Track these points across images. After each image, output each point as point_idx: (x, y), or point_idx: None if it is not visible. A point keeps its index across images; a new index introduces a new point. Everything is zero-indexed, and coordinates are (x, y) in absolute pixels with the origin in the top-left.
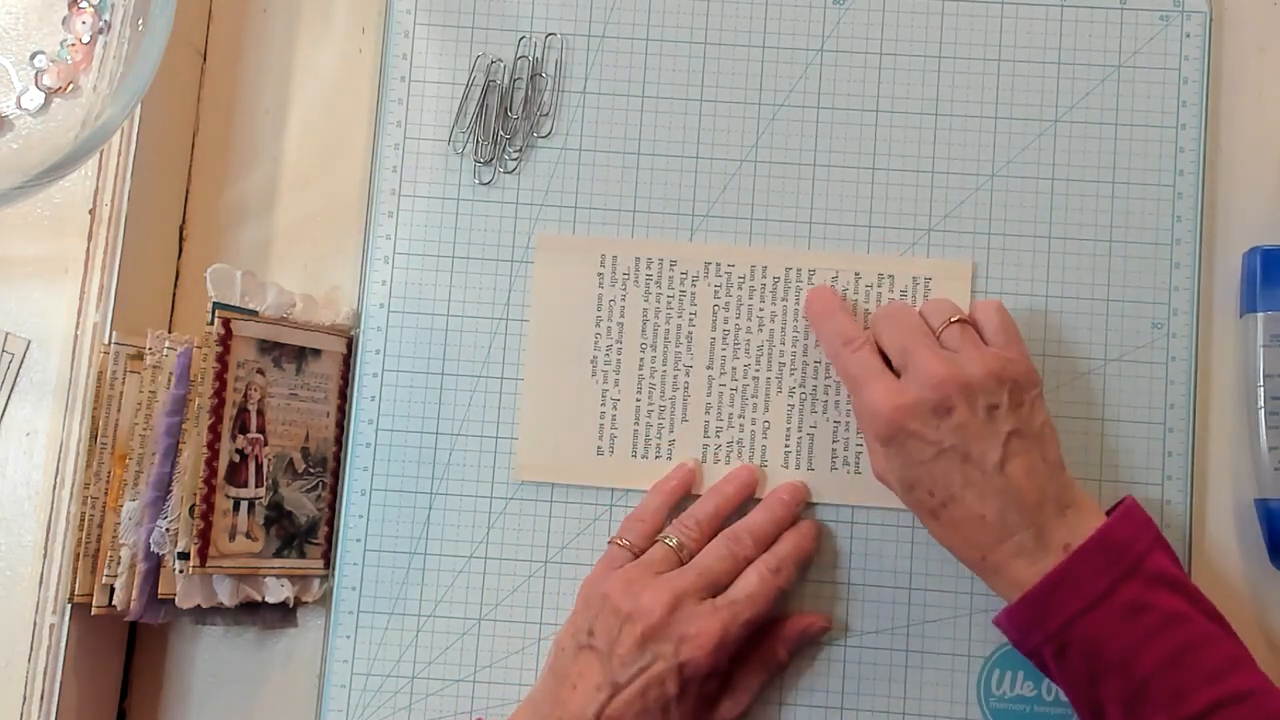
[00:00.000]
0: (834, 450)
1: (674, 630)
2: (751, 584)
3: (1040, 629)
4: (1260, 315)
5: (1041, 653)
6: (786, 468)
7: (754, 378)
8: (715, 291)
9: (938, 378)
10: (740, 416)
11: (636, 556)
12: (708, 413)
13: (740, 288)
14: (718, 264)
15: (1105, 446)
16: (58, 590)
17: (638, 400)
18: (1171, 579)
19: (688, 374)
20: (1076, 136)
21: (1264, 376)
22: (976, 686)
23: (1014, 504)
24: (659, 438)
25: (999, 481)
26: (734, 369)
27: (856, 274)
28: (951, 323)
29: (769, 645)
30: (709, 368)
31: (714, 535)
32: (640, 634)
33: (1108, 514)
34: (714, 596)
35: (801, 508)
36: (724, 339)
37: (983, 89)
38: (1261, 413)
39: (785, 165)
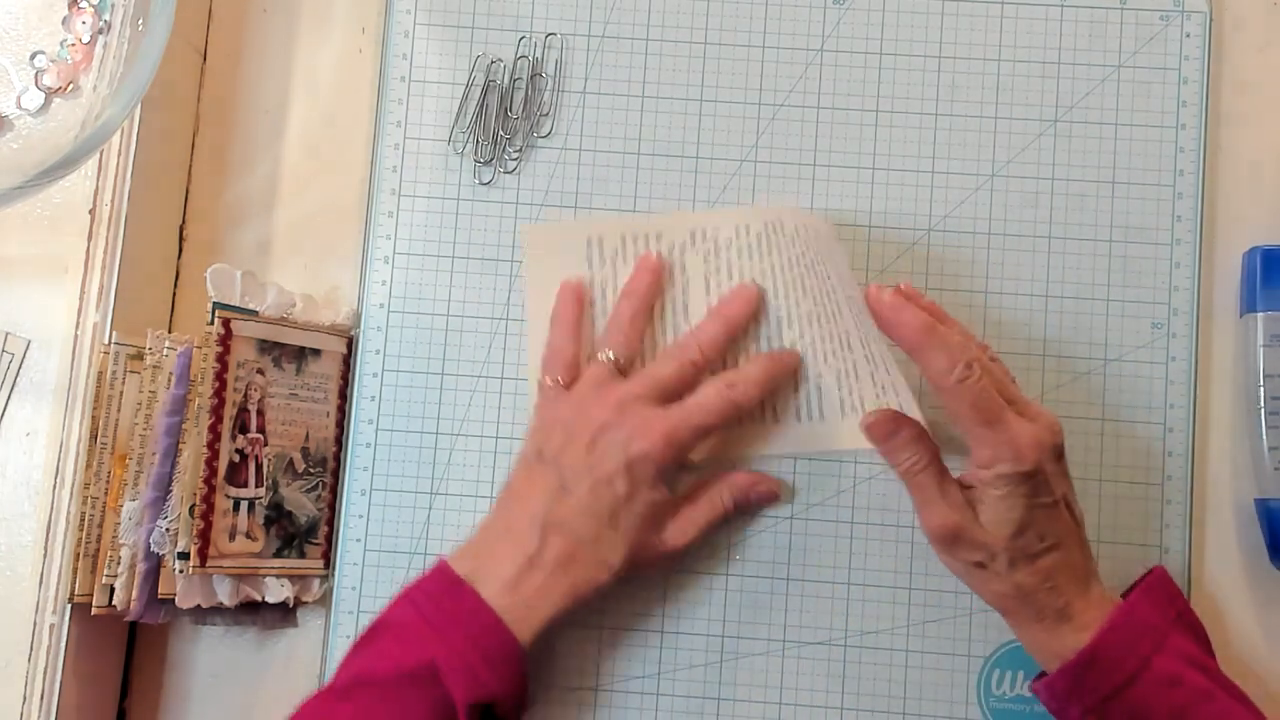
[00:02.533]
0: (841, 399)
1: (622, 430)
2: (705, 394)
3: (1079, 701)
4: (1260, 315)
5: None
6: (799, 420)
7: (755, 339)
8: (705, 258)
9: (1053, 423)
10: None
11: (570, 388)
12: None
13: (729, 249)
14: (704, 231)
15: (1105, 446)
16: (58, 590)
17: None
18: (1191, 657)
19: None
20: (1076, 136)
21: (1264, 376)
22: (976, 686)
23: (1088, 557)
24: None
25: (1081, 535)
26: None
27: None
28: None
29: (717, 489)
30: None
31: (642, 335)
32: (590, 437)
33: (1138, 582)
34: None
35: (753, 307)
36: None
37: (983, 89)
38: (1261, 413)
39: (785, 165)
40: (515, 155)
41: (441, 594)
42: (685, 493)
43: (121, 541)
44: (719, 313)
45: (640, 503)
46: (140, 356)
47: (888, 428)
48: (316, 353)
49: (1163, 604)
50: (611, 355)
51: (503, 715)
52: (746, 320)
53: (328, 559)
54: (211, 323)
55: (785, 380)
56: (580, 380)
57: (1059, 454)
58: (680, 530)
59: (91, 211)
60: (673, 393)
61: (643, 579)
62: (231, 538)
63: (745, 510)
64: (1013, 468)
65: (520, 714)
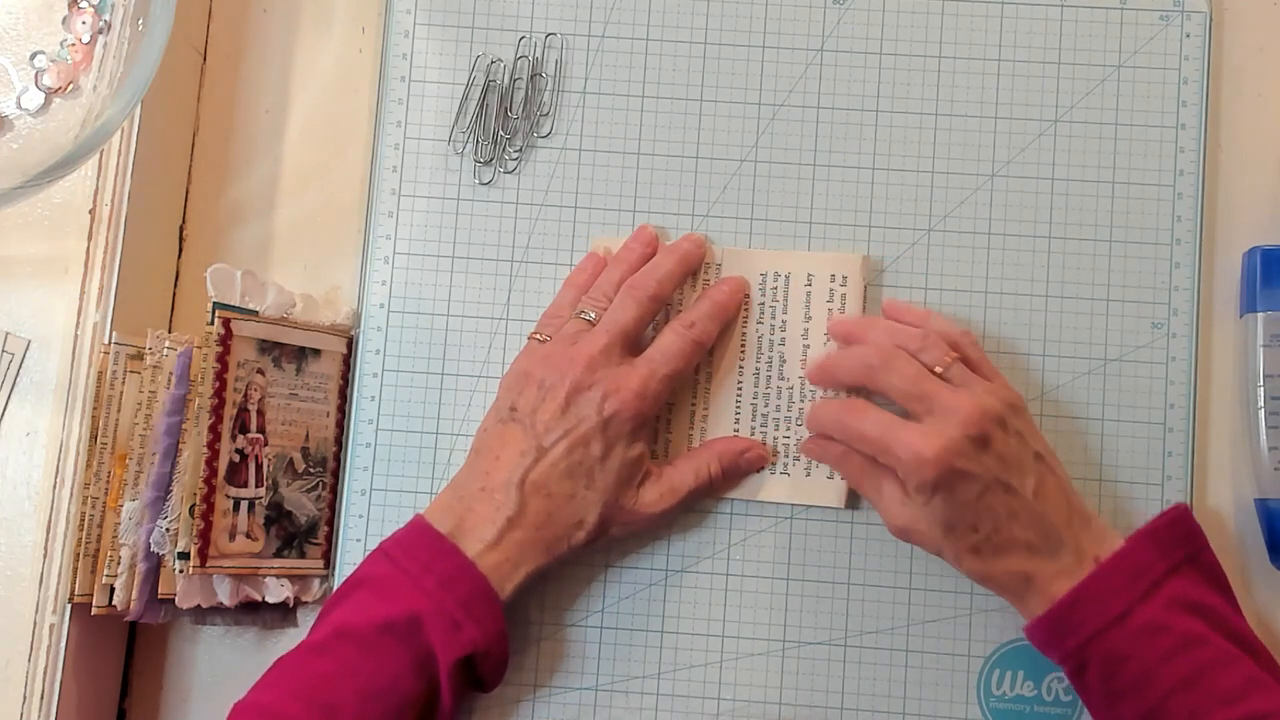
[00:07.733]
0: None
1: (596, 390)
2: (667, 341)
3: (1059, 647)
4: (1260, 315)
5: (1062, 668)
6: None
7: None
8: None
9: (970, 413)
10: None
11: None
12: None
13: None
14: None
15: (1105, 446)
16: (58, 590)
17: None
18: (1192, 602)
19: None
20: (1076, 136)
21: (1264, 376)
22: (976, 686)
23: (1051, 525)
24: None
25: (1037, 506)
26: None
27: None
28: (953, 362)
29: (704, 456)
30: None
31: None
32: (564, 397)
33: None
34: (633, 356)
35: (702, 249)
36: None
37: (983, 89)
38: (1261, 413)
39: (785, 165)
40: (515, 155)
41: (423, 549)
42: (672, 459)
43: (121, 541)
44: (672, 251)
45: (615, 461)
46: (140, 356)
47: (815, 451)
48: (316, 353)
49: (1168, 547)
50: (592, 316)
51: (483, 672)
52: (698, 260)
53: (328, 559)
54: (211, 323)
55: (738, 308)
56: (558, 334)
57: (976, 441)
58: (661, 496)
59: (91, 211)
60: (638, 336)
61: (643, 580)
62: (231, 538)
63: (734, 478)
64: (915, 482)
65: (501, 672)
